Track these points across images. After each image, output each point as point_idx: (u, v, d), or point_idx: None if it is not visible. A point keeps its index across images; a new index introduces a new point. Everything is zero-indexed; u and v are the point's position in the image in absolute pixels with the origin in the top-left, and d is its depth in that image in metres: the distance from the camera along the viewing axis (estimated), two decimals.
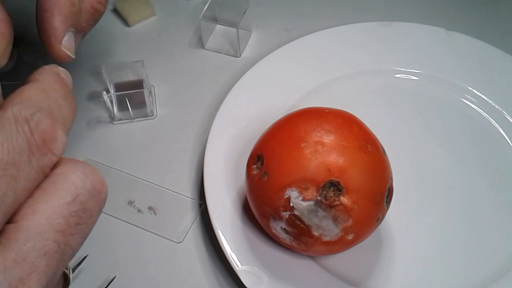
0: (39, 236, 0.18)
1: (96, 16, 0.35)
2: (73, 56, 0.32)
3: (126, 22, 0.55)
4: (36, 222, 0.18)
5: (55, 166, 0.20)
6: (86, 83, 0.50)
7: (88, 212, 0.20)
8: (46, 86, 0.21)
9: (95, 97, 0.49)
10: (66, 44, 0.31)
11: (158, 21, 0.55)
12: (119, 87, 0.47)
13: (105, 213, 0.43)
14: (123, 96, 0.46)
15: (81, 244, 0.20)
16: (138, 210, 0.43)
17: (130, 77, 0.48)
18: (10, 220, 0.18)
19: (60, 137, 0.20)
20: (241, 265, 0.38)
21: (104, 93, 0.45)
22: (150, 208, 0.43)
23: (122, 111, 0.48)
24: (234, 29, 0.49)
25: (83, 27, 0.33)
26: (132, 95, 0.46)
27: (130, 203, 0.43)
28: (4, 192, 0.18)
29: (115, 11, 0.55)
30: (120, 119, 0.48)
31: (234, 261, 0.38)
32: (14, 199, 0.18)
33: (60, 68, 0.23)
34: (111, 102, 0.47)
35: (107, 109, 0.48)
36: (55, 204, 0.19)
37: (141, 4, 0.55)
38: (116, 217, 0.43)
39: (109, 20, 0.55)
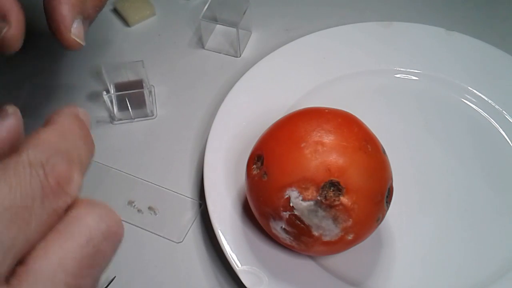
0: (50, 279, 0.18)
1: (102, 1, 0.35)
2: (83, 43, 0.32)
3: (126, 22, 0.54)
4: (47, 265, 0.18)
5: (70, 206, 0.20)
6: (86, 83, 0.50)
7: (101, 253, 0.20)
8: (64, 128, 0.21)
9: (95, 97, 0.49)
10: (75, 32, 0.31)
11: (158, 21, 0.55)
12: (119, 87, 0.47)
13: None
14: (123, 96, 0.46)
15: (93, 286, 0.20)
16: (138, 210, 0.43)
17: (130, 77, 0.48)
18: (22, 262, 0.18)
19: (76, 179, 0.19)
20: (241, 265, 0.38)
21: (104, 93, 0.45)
22: (150, 208, 0.43)
23: (122, 111, 0.48)
24: (234, 29, 0.49)
25: (90, 13, 0.33)
26: (132, 95, 0.46)
27: (130, 203, 0.43)
28: (15, 235, 0.18)
29: (115, 11, 0.55)
30: (120, 119, 0.48)
31: (234, 261, 0.38)
32: (25, 242, 0.18)
33: (79, 109, 0.22)
34: (111, 102, 0.47)
35: (107, 109, 0.48)
36: (68, 246, 0.19)
37: (141, 4, 0.55)
38: None
39: (109, 20, 0.55)
